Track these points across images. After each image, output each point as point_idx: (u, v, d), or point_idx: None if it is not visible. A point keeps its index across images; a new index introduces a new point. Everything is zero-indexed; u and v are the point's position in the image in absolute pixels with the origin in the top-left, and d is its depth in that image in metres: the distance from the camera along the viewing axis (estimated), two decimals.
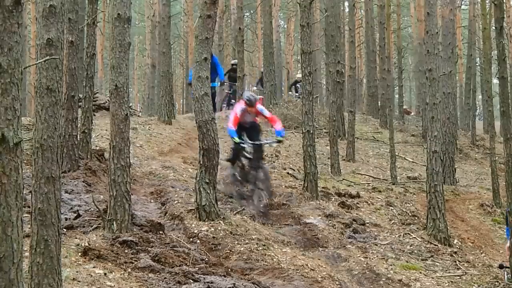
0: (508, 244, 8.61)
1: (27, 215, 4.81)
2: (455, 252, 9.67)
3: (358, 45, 30.73)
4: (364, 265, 8.18)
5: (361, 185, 12.80)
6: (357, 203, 11.17)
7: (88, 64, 10.37)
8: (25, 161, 7.37)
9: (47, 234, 4.45)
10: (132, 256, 6.32)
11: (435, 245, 9.74)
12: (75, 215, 7.33)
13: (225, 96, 20.07)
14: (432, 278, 8.36)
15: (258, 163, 9.81)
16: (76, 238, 6.58)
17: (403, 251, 9.30)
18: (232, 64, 20.20)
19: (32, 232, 4.50)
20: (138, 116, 19.08)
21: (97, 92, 17.34)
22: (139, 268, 6.04)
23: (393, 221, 10.71)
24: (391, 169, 13.57)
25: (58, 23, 4.53)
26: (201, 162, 8.27)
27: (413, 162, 16.75)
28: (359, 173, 14.09)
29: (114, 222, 6.90)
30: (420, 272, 8.45)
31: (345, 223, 9.81)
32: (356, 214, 10.61)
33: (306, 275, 6.92)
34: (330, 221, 9.75)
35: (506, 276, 8.58)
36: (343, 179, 12.92)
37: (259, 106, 10.07)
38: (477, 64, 28.16)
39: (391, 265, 8.52)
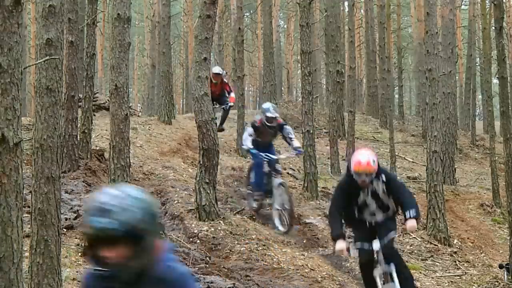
0: None
1: (27, 215, 4.81)
2: (455, 252, 9.66)
3: (358, 45, 30.72)
4: None
5: None
6: None
7: (88, 64, 10.36)
8: (25, 161, 7.37)
9: (47, 234, 4.44)
10: None
11: (435, 245, 9.74)
12: (75, 215, 7.32)
13: None
14: (432, 278, 8.36)
15: None
16: (76, 238, 6.58)
17: (403, 251, 9.29)
18: None
19: (32, 232, 4.50)
20: (138, 116, 19.08)
21: (97, 92, 17.35)
22: None
23: None
24: (391, 169, 13.57)
25: (57, 23, 4.53)
26: (201, 162, 8.27)
27: (413, 162, 16.75)
28: None
29: None
30: (420, 272, 8.43)
31: None
32: None
33: (306, 275, 6.92)
34: None
35: (505, 276, 8.58)
36: None
37: None
38: (477, 64, 28.14)
39: None
